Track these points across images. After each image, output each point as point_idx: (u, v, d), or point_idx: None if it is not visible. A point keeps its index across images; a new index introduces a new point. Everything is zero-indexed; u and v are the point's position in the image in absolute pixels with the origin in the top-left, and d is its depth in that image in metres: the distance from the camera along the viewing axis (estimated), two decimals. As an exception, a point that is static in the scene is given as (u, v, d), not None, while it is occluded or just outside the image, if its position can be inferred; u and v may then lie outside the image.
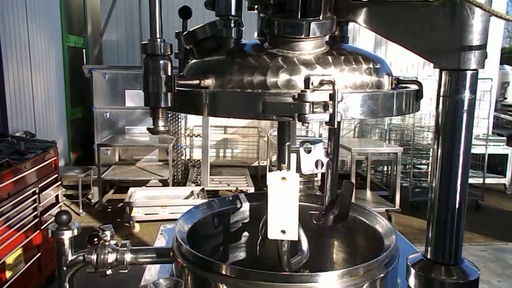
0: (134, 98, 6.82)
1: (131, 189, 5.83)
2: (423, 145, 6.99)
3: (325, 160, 1.34)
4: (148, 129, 0.96)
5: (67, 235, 1.23)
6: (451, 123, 1.00)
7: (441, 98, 1.01)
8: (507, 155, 7.16)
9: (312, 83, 0.94)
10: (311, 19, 1.00)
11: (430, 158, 6.89)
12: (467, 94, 0.98)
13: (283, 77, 0.98)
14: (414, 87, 1.10)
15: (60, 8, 6.84)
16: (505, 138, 7.60)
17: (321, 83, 0.94)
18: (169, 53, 0.94)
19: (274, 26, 1.03)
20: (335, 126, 0.93)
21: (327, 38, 1.09)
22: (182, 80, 1.01)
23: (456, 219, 1.01)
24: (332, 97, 0.92)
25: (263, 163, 7.73)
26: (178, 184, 6.78)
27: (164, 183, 6.45)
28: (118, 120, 6.99)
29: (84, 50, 8.01)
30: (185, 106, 1.02)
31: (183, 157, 7.49)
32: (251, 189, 6.29)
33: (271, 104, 0.93)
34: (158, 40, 0.92)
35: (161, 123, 0.95)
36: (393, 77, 1.11)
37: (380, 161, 7.22)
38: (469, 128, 1.00)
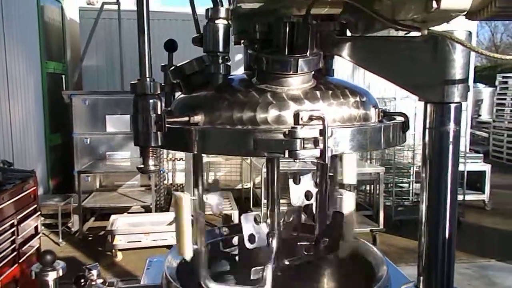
0: (115, 123, 6.76)
1: (112, 217, 5.71)
2: (404, 164, 7.09)
3: (314, 190, 1.34)
4: (138, 168, 0.95)
5: (51, 276, 1.19)
6: (438, 155, 1.02)
7: (427, 130, 1.04)
8: (484, 171, 7.31)
9: (301, 119, 0.96)
10: (298, 55, 1.02)
11: (411, 176, 7.00)
12: (452, 126, 1.01)
13: (272, 113, 0.99)
14: (400, 119, 1.13)
15: (39, 34, 6.79)
16: (482, 155, 7.78)
17: (311, 118, 0.96)
18: (158, 92, 0.94)
19: (262, 63, 1.04)
20: (327, 162, 0.94)
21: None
22: (172, 117, 1.01)
23: (447, 250, 1.02)
24: (322, 132, 0.93)
25: (246, 185, 7.70)
26: (161, 209, 6.67)
27: (147, 209, 6.34)
28: (99, 146, 6.90)
29: (63, 76, 7.93)
30: (174, 143, 1.02)
31: (165, 182, 7.40)
32: (235, 213, 6.24)
33: (262, 141, 0.94)
34: (148, 79, 0.92)
35: (151, 162, 0.94)
36: (380, 110, 1.13)
37: (362, 180, 7.28)
38: (455, 159, 1.02)
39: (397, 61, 1.03)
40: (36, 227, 3.98)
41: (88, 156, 6.83)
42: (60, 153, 7.48)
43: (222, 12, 1.07)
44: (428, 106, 1.03)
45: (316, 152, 0.93)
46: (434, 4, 0.87)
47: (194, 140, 0.99)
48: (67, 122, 6.97)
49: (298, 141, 0.92)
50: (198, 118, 1.03)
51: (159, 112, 0.93)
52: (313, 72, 1.11)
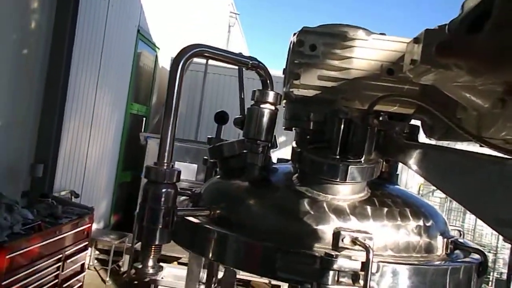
0: (182, 170, 6.77)
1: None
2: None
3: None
4: (134, 267, 0.80)
5: None
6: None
7: (512, 283, 0.77)
8: None
9: (342, 240, 0.76)
10: (350, 161, 0.83)
11: (490, 283, 6.16)
12: (549, 287, 0.74)
13: (307, 226, 0.80)
14: (475, 257, 0.87)
15: (131, 77, 7.27)
16: None
17: (354, 242, 0.75)
18: (174, 180, 0.80)
19: (305, 161, 0.87)
20: (365, 307, 0.71)
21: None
22: (190, 210, 0.86)
23: None
24: (364, 267, 0.72)
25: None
26: (210, 265, 6.47)
27: (196, 262, 6.19)
28: (163, 190, 6.99)
29: (144, 118, 8.36)
30: (185, 241, 0.86)
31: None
32: (285, 285, 5.84)
33: (288, 264, 0.75)
34: (165, 165, 0.79)
35: (150, 263, 0.79)
36: (449, 239, 0.89)
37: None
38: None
39: (480, 187, 0.79)
40: (82, 265, 3.99)
41: (151, 198, 6.93)
42: (127, 191, 7.72)
43: (270, 96, 0.93)
44: (517, 251, 0.77)
45: (354, 291, 0.72)
46: (538, 128, 0.65)
47: (209, 244, 0.83)
48: (140, 162, 7.22)
49: (332, 273, 0.71)
50: (221, 213, 0.87)
51: (170, 204, 0.78)
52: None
